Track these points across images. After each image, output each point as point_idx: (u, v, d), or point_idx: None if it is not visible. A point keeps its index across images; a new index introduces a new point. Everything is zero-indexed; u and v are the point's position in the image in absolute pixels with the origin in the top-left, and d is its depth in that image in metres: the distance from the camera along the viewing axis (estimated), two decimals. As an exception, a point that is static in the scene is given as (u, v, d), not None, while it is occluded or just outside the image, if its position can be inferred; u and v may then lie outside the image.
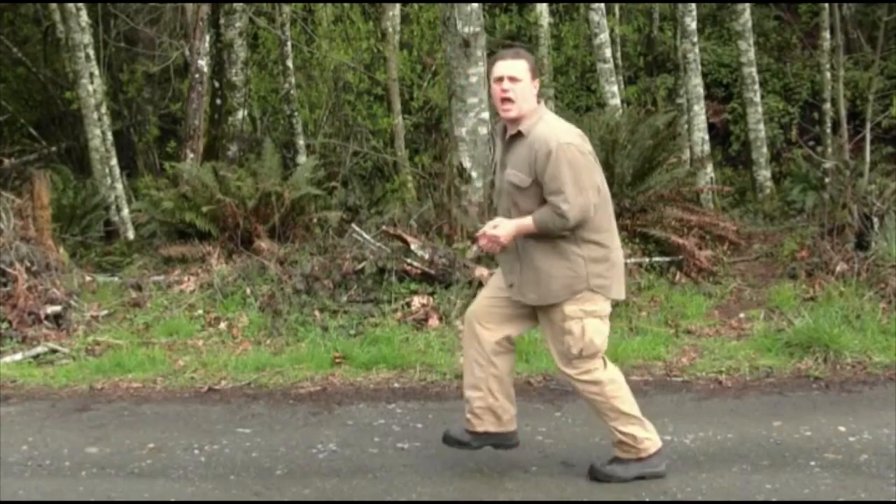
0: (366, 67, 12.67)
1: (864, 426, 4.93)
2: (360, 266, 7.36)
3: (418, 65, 12.73)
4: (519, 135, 4.18)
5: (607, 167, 7.77)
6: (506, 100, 4.14)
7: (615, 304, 6.91)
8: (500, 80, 4.16)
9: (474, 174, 7.85)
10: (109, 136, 11.94)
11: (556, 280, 4.16)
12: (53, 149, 14.42)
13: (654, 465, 4.35)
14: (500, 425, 4.39)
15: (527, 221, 4.12)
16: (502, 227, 4.17)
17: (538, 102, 4.23)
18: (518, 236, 4.19)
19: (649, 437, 4.33)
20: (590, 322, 4.18)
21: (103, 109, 11.98)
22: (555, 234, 4.12)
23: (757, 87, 10.89)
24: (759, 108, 10.92)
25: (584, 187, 4.07)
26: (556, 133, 4.11)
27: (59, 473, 4.67)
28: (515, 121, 4.18)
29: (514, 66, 4.16)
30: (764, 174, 10.81)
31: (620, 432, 4.29)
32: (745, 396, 5.55)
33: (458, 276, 7.13)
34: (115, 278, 8.19)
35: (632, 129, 8.09)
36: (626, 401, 4.30)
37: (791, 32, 13.69)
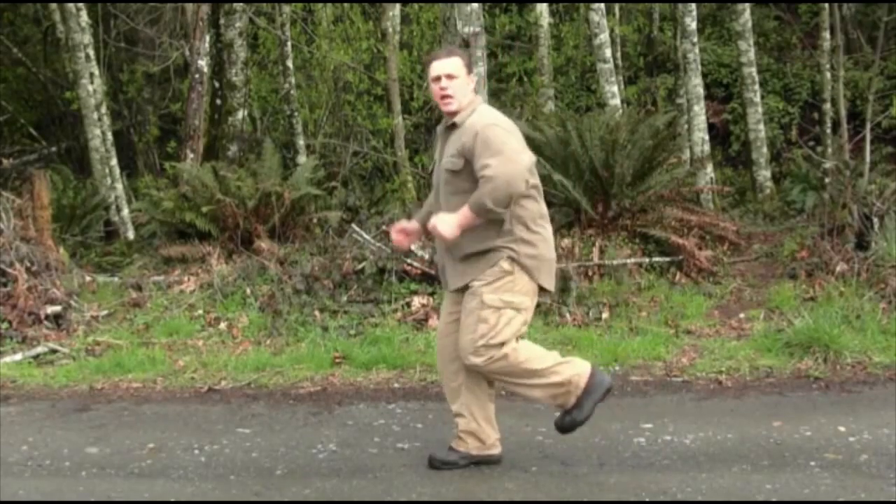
0: (366, 67, 12.67)
1: (864, 426, 4.93)
2: (360, 266, 7.36)
3: (418, 65, 12.71)
4: (454, 126, 4.35)
5: (607, 167, 7.80)
6: (445, 97, 4.32)
7: (604, 301, 6.96)
8: (438, 79, 4.34)
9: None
10: (109, 136, 11.95)
11: (485, 253, 4.23)
12: (53, 149, 14.43)
13: (597, 384, 4.31)
14: (483, 449, 4.49)
15: (464, 211, 4.17)
16: (442, 223, 4.19)
17: (477, 97, 4.41)
18: (461, 228, 4.21)
19: (577, 372, 4.31)
20: (506, 312, 4.23)
21: (103, 109, 11.99)
22: (491, 213, 4.12)
23: (757, 87, 10.89)
24: (759, 108, 10.93)
25: (511, 158, 4.13)
26: (483, 118, 4.28)
27: (59, 473, 4.67)
28: (454, 114, 4.34)
29: (449, 65, 4.34)
30: (764, 174, 10.81)
31: (547, 384, 4.28)
32: (745, 396, 5.55)
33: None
34: (115, 278, 8.19)
35: (632, 129, 8.09)
36: (536, 356, 4.31)
37: (791, 32, 13.69)
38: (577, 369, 4.32)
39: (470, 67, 4.41)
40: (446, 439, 4.64)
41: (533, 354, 4.32)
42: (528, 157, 4.26)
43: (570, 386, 4.30)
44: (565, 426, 4.40)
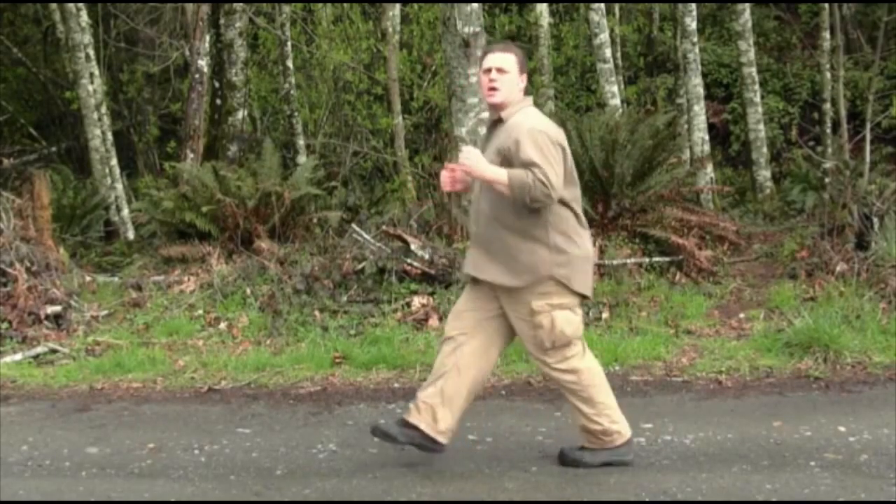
0: (366, 67, 12.67)
1: (864, 426, 4.93)
2: (360, 266, 7.36)
3: (418, 65, 12.72)
4: (500, 121, 4.35)
5: (607, 167, 7.80)
6: (492, 88, 4.32)
7: (604, 302, 6.95)
8: (489, 70, 4.34)
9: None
10: (109, 136, 11.96)
11: (520, 262, 4.24)
12: (53, 149, 14.43)
13: (623, 453, 4.44)
14: (433, 429, 4.39)
15: (500, 170, 4.18)
16: (475, 158, 4.21)
17: (524, 96, 4.39)
18: (486, 205, 4.27)
19: (619, 430, 4.43)
20: (558, 314, 4.26)
21: (103, 109, 12.00)
22: (524, 199, 4.12)
23: (757, 87, 10.90)
24: (759, 109, 10.93)
25: (556, 170, 4.15)
26: (531, 121, 4.27)
27: (59, 473, 4.67)
28: (498, 107, 4.34)
29: (503, 59, 4.34)
30: (764, 174, 10.82)
31: (593, 421, 4.38)
32: (745, 396, 5.54)
33: (458, 276, 7.13)
34: (115, 278, 8.19)
35: (632, 129, 8.09)
36: (602, 390, 4.40)
37: (791, 32, 13.70)
38: (622, 428, 4.44)
39: (524, 68, 4.38)
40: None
41: (601, 384, 4.40)
42: (566, 169, 4.25)
43: (607, 437, 4.41)
44: (569, 459, 4.49)
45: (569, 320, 4.29)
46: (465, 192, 4.70)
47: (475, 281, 4.45)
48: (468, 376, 4.41)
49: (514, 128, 4.23)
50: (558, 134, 4.29)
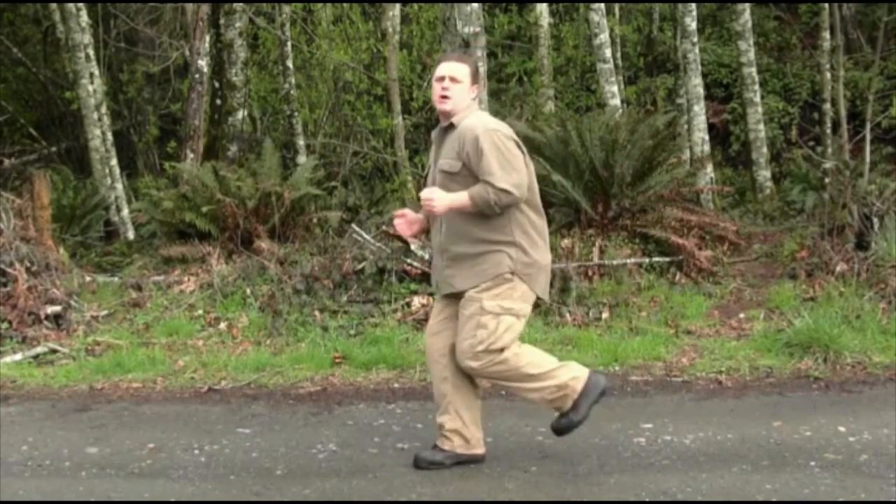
0: (366, 67, 12.66)
1: (864, 426, 4.93)
2: (360, 266, 7.36)
3: (418, 65, 12.71)
4: (451, 127, 4.39)
5: (607, 167, 7.80)
6: (443, 96, 4.37)
7: (604, 302, 6.95)
8: (442, 78, 4.39)
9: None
10: (109, 136, 11.95)
11: (486, 260, 4.28)
12: (53, 149, 14.42)
13: (594, 388, 4.37)
14: (467, 448, 4.52)
15: (461, 195, 4.24)
16: (437, 195, 4.26)
17: (475, 104, 4.45)
18: (447, 217, 4.32)
19: (574, 375, 4.38)
20: (505, 318, 4.29)
21: (103, 109, 11.99)
22: (493, 210, 4.20)
23: (757, 87, 10.89)
24: (759, 109, 10.93)
25: (514, 168, 4.22)
26: (482, 122, 4.33)
27: (59, 473, 4.67)
28: (448, 115, 4.39)
29: (455, 68, 4.40)
30: (764, 174, 10.81)
31: (545, 388, 4.34)
32: (745, 396, 5.55)
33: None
34: (115, 278, 8.19)
35: (632, 129, 8.09)
36: (535, 361, 4.38)
37: (791, 32, 13.69)
38: (573, 373, 4.39)
39: (476, 78, 4.43)
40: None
41: (533, 359, 4.38)
42: (525, 167, 4.30)
43: (567, 390, 4.36)
44: (562, 428, 4.45)
45: (512, 327, 4.31)
46: (423, 229, 4.70)
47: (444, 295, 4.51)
48: (468, 390, 4.50)
49: (467, 130, 4.28)
50: (511, 132, 4.36)
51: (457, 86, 4.35)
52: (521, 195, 4.21)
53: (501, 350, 4.29)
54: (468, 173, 4.26)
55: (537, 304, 4.53)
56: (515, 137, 4.35)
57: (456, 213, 4.30)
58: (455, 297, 4.42)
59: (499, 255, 4.28)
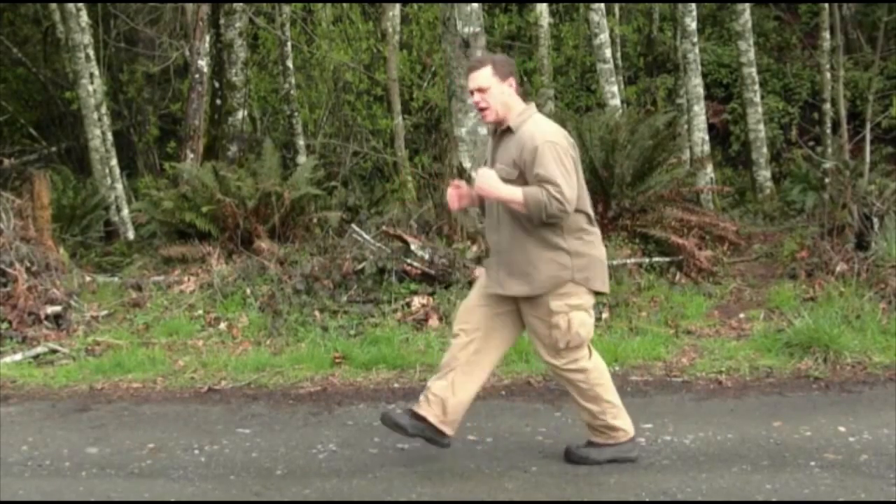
0: (365, 67, 12.67)
1: (864, 426, 4.93)
2: (360, 266, 7.36)
3: (418, 65, 12.72)
4: (508, 130, 4.34)
5: (607, 167, 7.80)
6: (482, 109, 4.35)
7: (604, 302, 6.96)
8: (472, 92, 4.36)
9: (474, 174, 7.82)
10: (109, 136, 11.96)
11: (542, 271, 4.27)
12: (53, 149, 14.43)
13: (627, 450, 4.51)
14: (442, 421, 4.44)
15: (516, 189, 4.21)
16: (491, 178, 4.24)
17: (525, 101, 4.39)
18: (504, 214, 4.30)
19: (625, 428, 4.49)
20: (575, 315, 4.31)
21: (103, 109, 12.00)
22: (540, 216, 4.17)
23: (757, 87, 10.89)
24: (759, 109, 10.93)
25: (571, 183, 4.20)
26: (542, 131, 4.27)
27: (59, 473, 4.67)
28: (499, 121, 4.35)
29: (477, 77, 4.33)
30: (764, 174, 10.81)
31: (599, 419, 4.45)
32: (745, 396, 5.54)
33: (458, 277, 7.13)
34: (115, 278, 8.19)
35: (632, 129, 8.09)
36: (608, 389, 4.46)
37: (791, 32, 13.69)
38: (626, 426, 4.51)
39: (505, 73, 4.33)
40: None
41: (607, 383, 4.46)
42: (578, 178, 4.29)
43: (612, 433, 4.48)
44: (575, 456, 4.54)
45: (584, 322, 4.34)
46: (472, 206, 4.69)
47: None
48: (478, 372, 4.48)
49: (527, 138, 4.22)
50: (569, 142, 4.31)
51: (487, 93, 4.29)
52: (571, 210, 4.18)
53: (581, 346, 4.34)
54: (524, 182, 4.22)
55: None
56: (573, 151, 4.30)
57: (511, 214, 4.28)
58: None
59: (553, 265, 4.26)
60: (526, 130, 4.25)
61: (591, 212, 4.41)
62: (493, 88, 4.29)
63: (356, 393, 5.86)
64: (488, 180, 4.23)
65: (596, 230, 4.42)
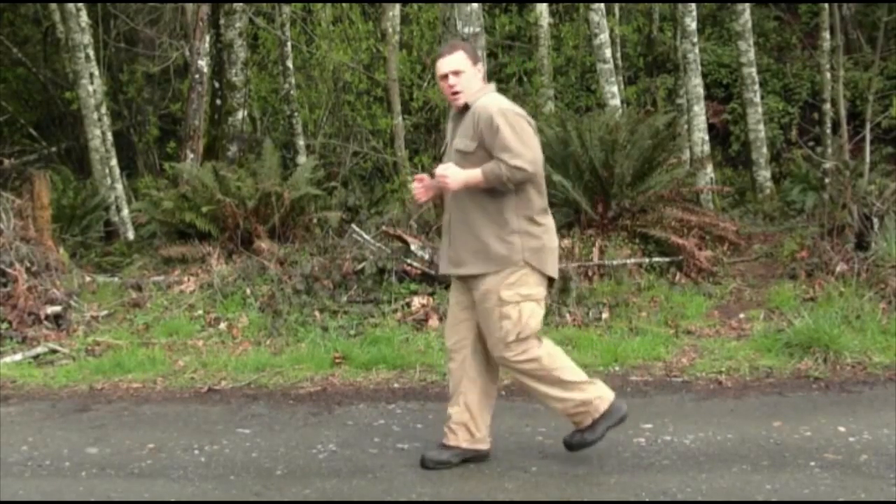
0: (365, 68, 12.66)
1: (864, 426, 4.93)
2: (360, 266, 7.36)
3: (418, 65, 12.72)
4: (465, 108, 4.41)
5: (607, 167, 7.80)
6: (454, 93, 4.39)
7: (604, 302, 6.96)
8: (445, 76, 4.41)
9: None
10: (109, 136, 11.95)
11: (492, 249, 4.30)
12: (53, 149, 14.43)
13: (615, 412, 4.43)
14: (472, 442, 4.54)
15: (475, 171, 4.26)
16: (452, 171, 4.30)
17: (489, 86, 4.48)
18: (459, 195, 4.34)
19: (599, 395, 4.43)
20: (526, 305, 4.32)
21: (103, 110, 11.99)
22: (505, 188, 4.23)
23: (757, 87, 10.89)
24: (759, 109, 10.92)
25: (528, 145, 4.24)
26: (496, 102, 4.35)
27: (59, 473, 4.67)
28: (464, 106, 4.42)
29: (453, 61, 4.40)
30: (764, 174, 10.81)
31: (569, 400, 4.39)
32: (745, 396, 5.54)
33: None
34: (115, 279, 8.19)
35: (632, 129, 8.09)
36: (568, 368, 4.43)
37: (791, 33, 13.69)
38: (599, 392, 4.44)
39: (475, 58, 4.45)
40: (446, 439, 4.63)
41: (566, 365, 4.43)
42: (537, 143, 4.33)
43: (590, 407, 4.41)
44: (574, 444, 4.50)
45: (534, 312, 4.35)
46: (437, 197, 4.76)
47: (455, 280, 4.52)
48: (483, 380, 4.52)
49: (482, 110, 4.30)
50: (523, 111, 4.38)
51: (461, 77, 4.37)
52: (535, 171, 4.24)
53: (529, 338, 4.32)
54: (483, 153, 4.28)
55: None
56: (528, 117, 4.37)
57: (466, 196, 4.32)
58: (467, 285, 4.43)
59: (505, 244, 4.29)
60: (479, 104, 4.33)
61: (544, 189, 4.41)
62: (467, 72, 4.38)
63: (356, 393, 5.86)
64: (450, 175, 4.29)
65: (548, 220, 4.42)
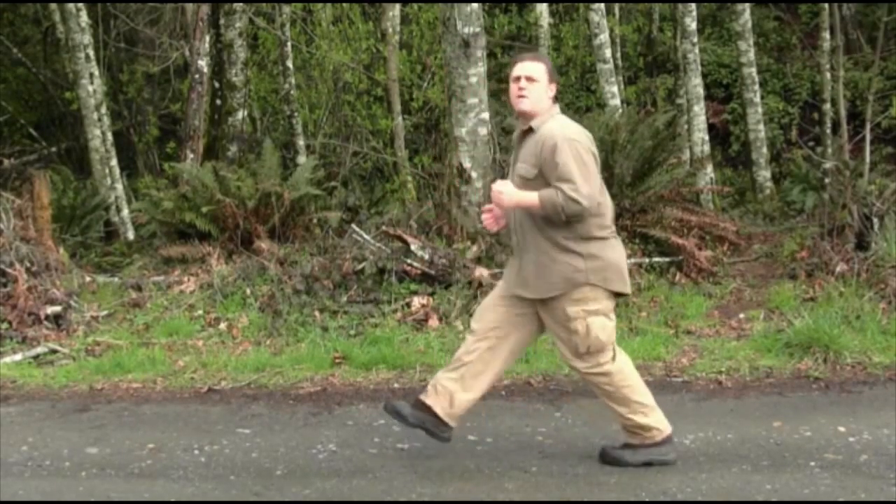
0: (365, 68, 12.66)
1: (864, 426, 4.93)
2: (360, 266, 7.36)
3: (418, 65, 12.72)
4: (530, 130, 4.37)
5: (607, 167, 7.78)
6: (521, 96, 4.36)
7: (618, 303, 6.95)
8: (518, 79, 4.38)
9: (474, 174, 7.85)
10: (109, 136, 11.95)
11: (556, 273, 4.29)
12: (53, 149, 14.42)
13: (663, 452, 4.48)
14: (447, 413, 4.48)
15: (531, 194, 4.25)
16: (508, 189, 4.31)
17: (555, 107, 4.43)
18: (522, 217, 4.35)
19: (658, 427, 4.46)
20: (593, 320, 4.31)
21: (103, 110, 11.99)
22: (559, 216, 4.21)
23: (757, 87, 10.89)
24: (759, 109, 10.93)
25: (590, 180, 4.22)
26: (563, 129, 4.30)
27: (59, 473, 4.67)
28: (527, 116, 4.37)
29: (532, 68, 4.39)
30: (764, 175, 10.81)
31: (630, 420, 4.44)
32: (745, 397, 5.55)
33: (458, 277, 7.13)
34: (115, 279, 8.19)
35: (632, 129, 8.09)
36: (637, 389, 4.45)
37: (791, 33, 13.69)
38: (661, 424, 4.48)
39: (553, 77, 4.42)
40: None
41: (635, 384, 4.45)
42: (598, 179, 4.32)
43: (646, 433, 4.45)
44: (610, 459, 4.51)
45: (603, 326, 4.35)
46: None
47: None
48: (489, 372, 4.50)
49: (547, 136, 4.26)
50: (590, 141, 4.35)
51: (534, 85, 4.34)
52: (590, 207, 4.21)
53: (601, 351, 4.33)
54: (544, 180, 4.26)
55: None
56: (593, 148, 4.34)
57: (527, 220, 4.32)
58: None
59: (567, 267, 4.28)
60: (546, 128, 4.30)
61: (609, 215, 4.43)
62: (540, 83, 4.35)
63: (356, 393, 5.86)
64: (505, 193, 4.30)
65: (613, 234, 4.46)
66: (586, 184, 4.18)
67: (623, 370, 4.43)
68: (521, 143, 4.43)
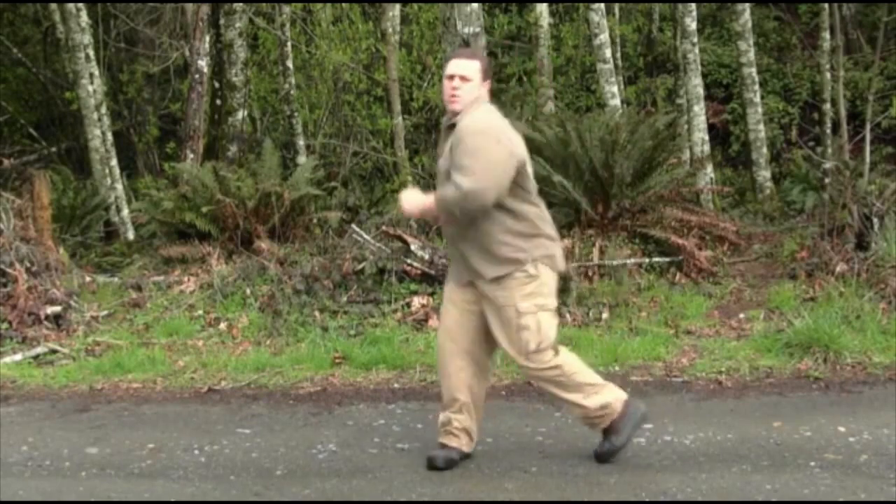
0: (365, 68, 12.67)
1: (864, 426, 4.93)
2: (360, 266, 7.36)
3: (418, 65, 12.72)
4: (453, 126, 4.35)
5: (607, 167, 7.80)
6: (453, 96, 4.33)
7: (605, 302, 6.96)
8: (452, 77, 4.34)
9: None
10: (109, 136, 11.95)
11: (501, 253, 4.28)
12: (53, 149, 14.43)
13: (634, 413, 4.45)
14: (470, 444, 4.58)
15: (430, 197, 4.31)
16: (407, 199, 4.43)
17: (480, 100, 4.37)
18: (422, 213, 4.45)
19: (615, 397, 4.45)
20: (543, 316, 4.32)
21: (103, 110, 11.99)
22: (457, 212, 4.21)
23: (757, 87, 10.89)
24: (759, 109, 10.93)
25: (482, 172, 4.15)
26: (472, 123, 4.26)
27: (59, 473, 4.67)
28: (457, 114, 4.35)
29: (466, 66, 4.35)
30: (764, 175, 10.81)
31: (586, 406, 4.39)
32: (745, 397, 5.54)
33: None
34: (115, 279, 8.19)
35: (632, 129, 8.08)
36: (584, 372, 4.45)
37: (791, 33, 13.69)
38: (615, 393, 4.46)
39: (487, 74, 4.39)
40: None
41: (581, 367, 4.45)
42: (504, 171, 4.20)
43: (609, 409, 4.42)
44: (605, 454, 4.49)
45: (551, 323, 4.36)
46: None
47: (459, 288, 4.48)
48: (482, 386, 4.58)
49: (458, 131, 4.26)
50: (500, 131, 4.27)
51: (467, 84, 4.30)
52: (486, 198, 4.14)
53: (549, 347, 4.33)
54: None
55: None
56: (508, 136, 4.27)
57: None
58: (472, 292, 4.40)
59: (507, 248, 4.27)
60: (462, 124, 4.26)
61: (541, 206, 4.40)
62: (474, 82, 4.31)
63: (356, 393, 5.86)
64: (408, 202, 4.40)
65: (548, 222, 4.40)
66: (474, 175, 4.12)
67: (567, 358, 4.43)
68: (446, 138, 4.40)
